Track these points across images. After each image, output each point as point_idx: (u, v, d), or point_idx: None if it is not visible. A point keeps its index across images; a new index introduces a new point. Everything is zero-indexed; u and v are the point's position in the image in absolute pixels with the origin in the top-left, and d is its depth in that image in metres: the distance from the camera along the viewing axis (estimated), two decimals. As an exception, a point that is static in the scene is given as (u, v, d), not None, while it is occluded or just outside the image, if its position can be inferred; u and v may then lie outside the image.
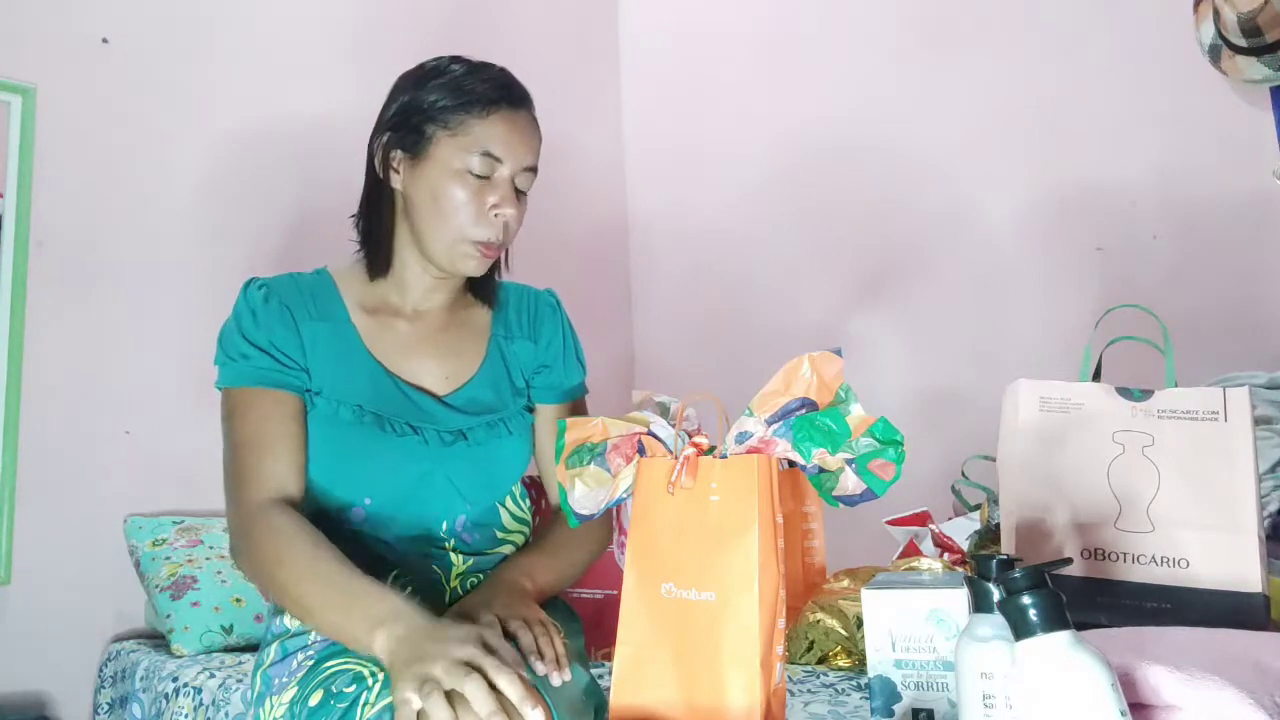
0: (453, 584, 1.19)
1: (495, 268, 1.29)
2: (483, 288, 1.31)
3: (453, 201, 1.16)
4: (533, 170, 1.21)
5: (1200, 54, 1.91)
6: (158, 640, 2.01)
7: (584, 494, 1.02)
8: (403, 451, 1.17)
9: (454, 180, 1.16)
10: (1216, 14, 1.84)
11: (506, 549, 1.26)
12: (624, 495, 1.03)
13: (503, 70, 1.22)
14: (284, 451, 1.15)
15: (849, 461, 0.95)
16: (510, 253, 1.29)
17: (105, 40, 2.23)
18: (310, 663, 1.14)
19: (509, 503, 1.27)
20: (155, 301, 2.22)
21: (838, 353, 0.96)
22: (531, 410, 1.31)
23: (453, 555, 1.20)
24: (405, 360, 1.23)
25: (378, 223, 1.23)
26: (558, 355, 1.32)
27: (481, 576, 1.21)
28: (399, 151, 1.20)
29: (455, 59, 1.22)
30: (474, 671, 0.87)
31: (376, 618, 0.97)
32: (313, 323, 1.20)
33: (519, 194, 1.20)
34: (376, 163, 1.22)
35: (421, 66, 1.23)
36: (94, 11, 2.22)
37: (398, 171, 1.20)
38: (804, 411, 0.95)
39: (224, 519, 2.23)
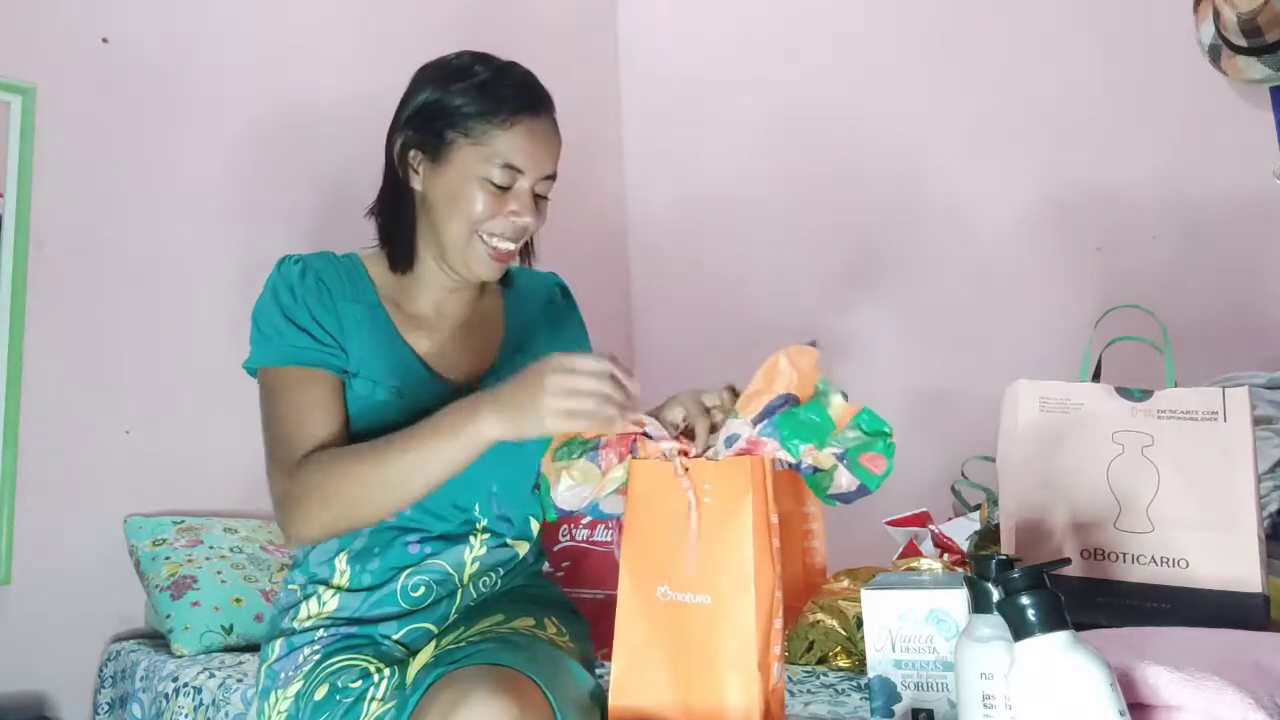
0: (465, 581, 1.20)
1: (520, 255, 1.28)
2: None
3: (471, 207, 1.15)
4: (552, 177, 1.20)
5: (1200, 54, 1.91)
6: (158, 640, 2.01)
7: (569, 488, 1.01)
8: None
9: (474, 187, 1.15)
10: (1216, 14, 1.84)
11: (521, 548, 1.25)
12: (609, 494, 1.02)
13: (526, 74, 1.21)
14: (327, 421, 1.14)
15: (839, 457, 0.95)
16: (536, 240, 1.27)
17: (105, 40, 2.23)
18: (316, 657, 1.14)
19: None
20: (155, 301, 2.22)
21: (812, 344, 0.96)
22: None
23: (474, 540, 1.20)
24: (431, 350, 1.23)
25: (399, 220, 1.23)
26: (573, 346, 1.34)
27: (492, 576, 1.21)
28: (418, 153, 1.19)
29: (478, 58, 1.20)
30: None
31: (467, 408, 1.02)
32: (349, 303, 1.20)
33: (539, 199, 1.20)
34: (395, 161, 1.21)
35: (444, 64, 1.21)
36: (94, 11, 2.22)
37: (417, 172, 1.20)
38: (788, 408, 0.94)
39: (223, 519, 2.24)
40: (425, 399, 1.17)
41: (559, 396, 0.96)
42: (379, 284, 1.24)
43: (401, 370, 1.19)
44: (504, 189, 1.16)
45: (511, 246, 1.19)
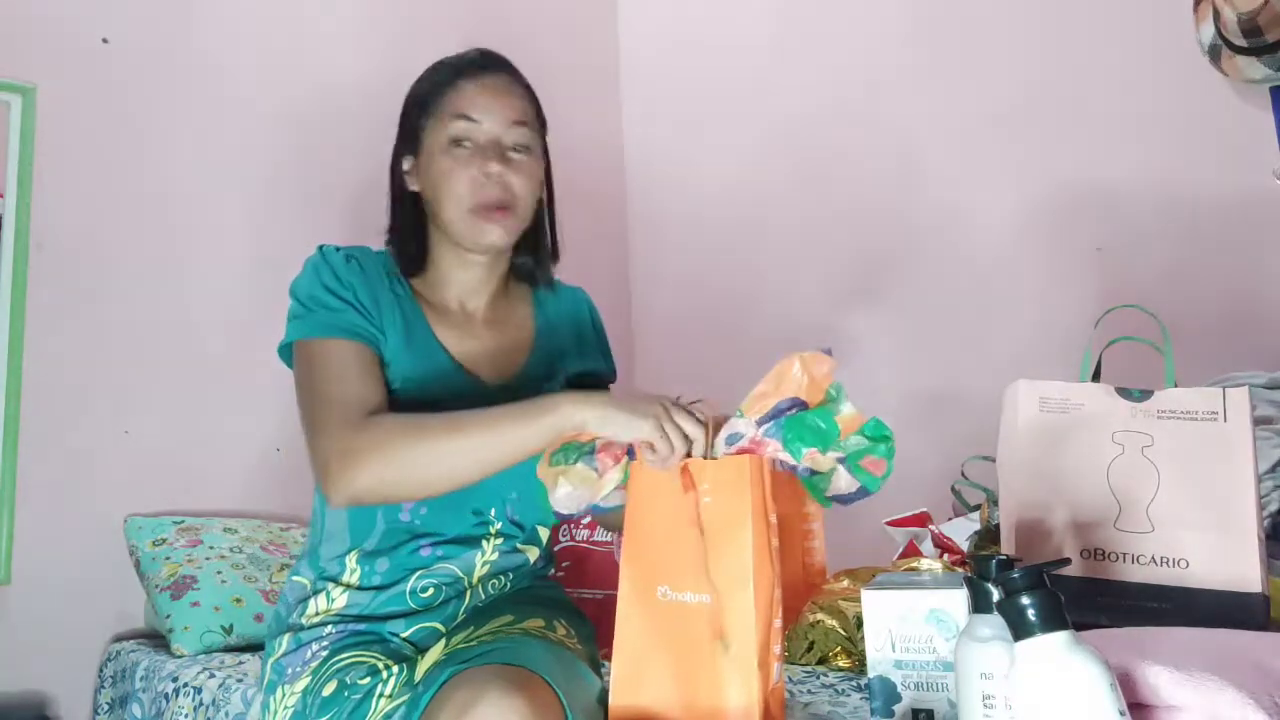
0: (474, 583, 1.20)
1: (539, 248, 1.29)
2: (525, 269, 1.31)
3: (448, 175, 1.17)
4: (523, 124, 1.20)
5: (1200, 54, 1.90)
6: (158, 640, 2.01)
7: (567, 494, 1.00)
8: None
9: (444, 156, 1.18)
10: (1216, 14, 1.84)
11: (531, 553, 1.25)
12: (606, 495, 1.02)
13: (482, 49, 1.24)
14: (377, 387, 1.14)
15: (840, 460, 0.95)
16: (559, 243, 1.30)
17: (105, 40, 2.23)
18: (324, 653, 1.15)
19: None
20: (155, 301, 2.23)
21: (828, 352, 0.96)
22: None
23: (486, 545, 1.20)
24: (461, 347, 1.24)
25: (405, 225, 1.26)
26: (597, 357, 1.36)
27: (502, 580, 1.22)
28: (408, 157, 1.24)
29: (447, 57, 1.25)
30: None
31: (563, 398, 1.02)
32: (388, 294, 1.21)
33: (516, 151, 1.19)
34: (393, 173, 1.26)
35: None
36: (94, 11, 2.22)
37: (410, 174, 1.24)
38: (794, 411, 0.94)
39: (223, 519, 2.23)
40: (453, 395, 1.18)
41: (663, 419, 0.98)
42: (410, 280, 1.26)
43: (432, 367, 1.20)
44: (467, 145, 1.17)
45: (498, 196, 1.18)
